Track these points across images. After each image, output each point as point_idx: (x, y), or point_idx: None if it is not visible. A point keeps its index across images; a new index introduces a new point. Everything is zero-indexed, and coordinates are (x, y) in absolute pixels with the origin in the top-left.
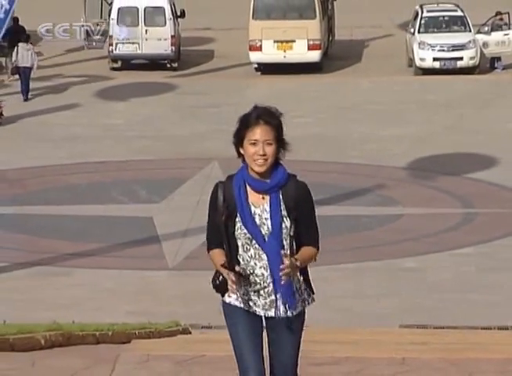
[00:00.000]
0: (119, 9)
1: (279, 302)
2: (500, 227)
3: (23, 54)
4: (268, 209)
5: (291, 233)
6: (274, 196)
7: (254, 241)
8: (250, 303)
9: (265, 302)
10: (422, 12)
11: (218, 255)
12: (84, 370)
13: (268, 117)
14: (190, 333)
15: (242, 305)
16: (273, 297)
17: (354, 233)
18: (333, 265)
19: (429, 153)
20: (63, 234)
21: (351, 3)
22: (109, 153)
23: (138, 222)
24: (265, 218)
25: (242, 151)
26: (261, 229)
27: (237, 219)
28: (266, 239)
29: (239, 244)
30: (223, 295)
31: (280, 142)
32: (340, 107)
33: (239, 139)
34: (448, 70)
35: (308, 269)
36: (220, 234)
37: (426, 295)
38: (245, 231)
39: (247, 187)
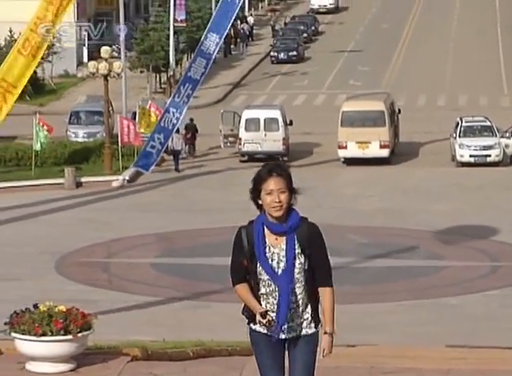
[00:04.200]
0: (246, 119)
1: (284, 326)
2: None
3: (176, 141)
4: (284, 248)
5: (306, 267)
6: (290, 236)
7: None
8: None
9: (285, 327)
10: (461, 123)
11: (244, 291)
12: (220, 375)
13: (279, 169)
14: None
15: (265, 331)
16: (291, 323)
17: (411, 279)
18: (396, 302)
19: (466, 222)
20: (204, 277)
21: (411, 116)
22: (237, 221)
23: None
24: (282, 256)
25: (260, 202)
26: (276, 266)
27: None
28: (279, 273)
29: (261, 280)
30: (250, 323)
31: (292, 190)
32: (402, 189)
33: (256, 193)
34: (480, 163)
35: (319, 306)
36: (242, 272)
37: (464, 324)
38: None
39: (265, 230)
